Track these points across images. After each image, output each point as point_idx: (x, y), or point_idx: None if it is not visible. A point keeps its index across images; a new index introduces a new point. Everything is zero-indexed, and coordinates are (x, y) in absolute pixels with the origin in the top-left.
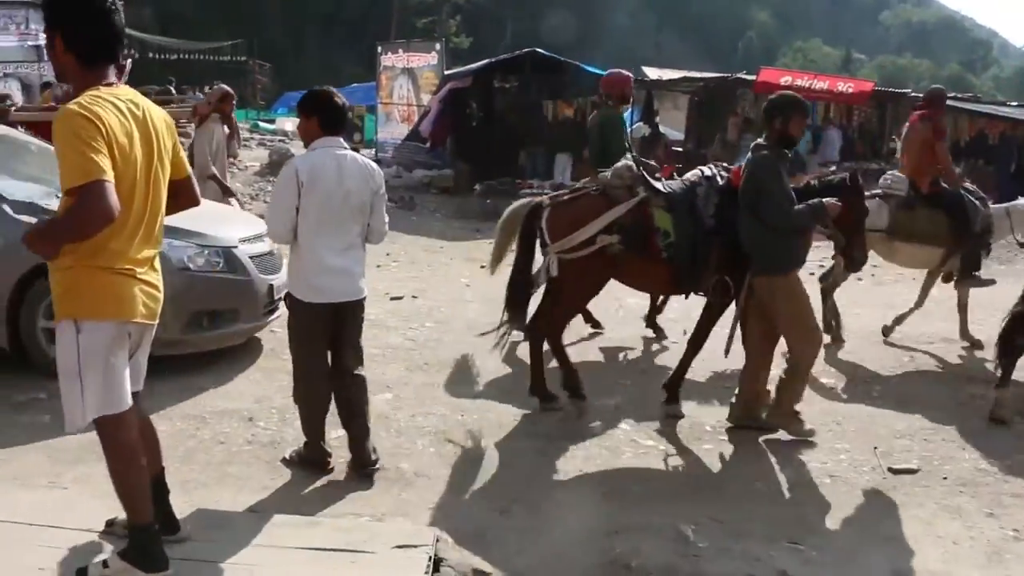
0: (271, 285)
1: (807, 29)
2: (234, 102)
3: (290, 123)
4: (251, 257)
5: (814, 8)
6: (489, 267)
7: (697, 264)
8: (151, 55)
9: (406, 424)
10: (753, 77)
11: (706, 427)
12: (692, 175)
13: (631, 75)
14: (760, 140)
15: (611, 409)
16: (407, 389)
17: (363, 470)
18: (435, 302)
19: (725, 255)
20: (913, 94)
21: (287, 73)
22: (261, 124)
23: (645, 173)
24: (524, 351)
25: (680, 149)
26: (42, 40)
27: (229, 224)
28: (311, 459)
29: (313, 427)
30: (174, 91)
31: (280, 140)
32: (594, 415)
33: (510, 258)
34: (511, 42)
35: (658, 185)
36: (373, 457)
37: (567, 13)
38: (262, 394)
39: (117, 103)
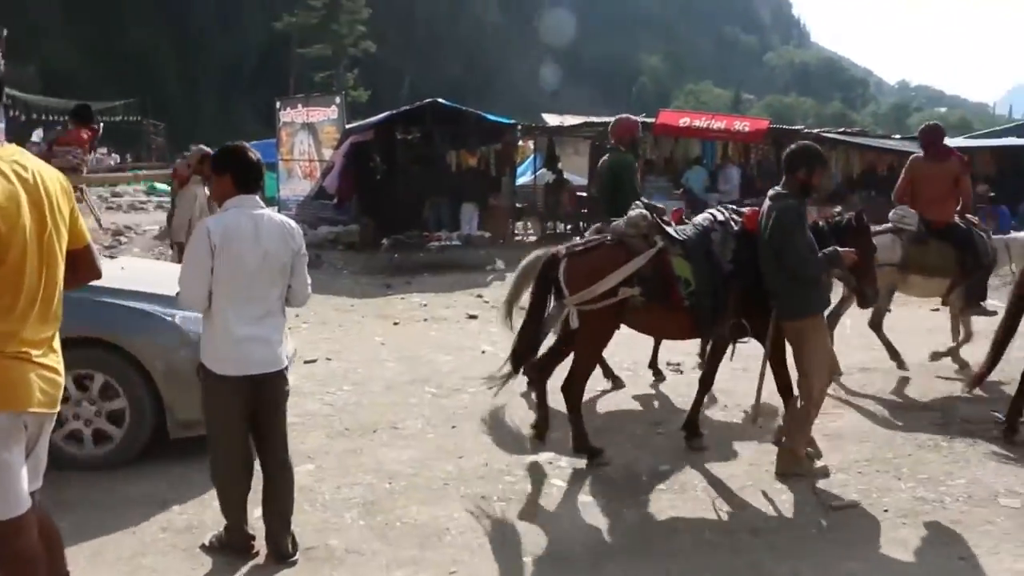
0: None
1: (697, 72)
2: None
3: None
4: None
5: (702, 52)
6: (501, 316)
7: (718, 309)
8: (35, 116)
9: (332, 497)
10: (652, 119)
11: (642, 477)
12: (703, 219)
13: (638, 120)
14: (779, 189)
15: (544, 464)
16: (329, 458)
17: (282, 562)
18: (350, 363)
19: (742, 298)
20: (805, 130)
21: (183, 131)
22: (157, 186)
23: (660, 220)
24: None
25: (584, 194)
26: None
27: None
28: (233, 544)
29: (233, 510)
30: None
31: (78, 198)
32: (527, 475)
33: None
34: (410, 94)
35: (674, 233)
36: (292, 548)
37: (464, 64)
38: (177, 473)
39: (0, 166)
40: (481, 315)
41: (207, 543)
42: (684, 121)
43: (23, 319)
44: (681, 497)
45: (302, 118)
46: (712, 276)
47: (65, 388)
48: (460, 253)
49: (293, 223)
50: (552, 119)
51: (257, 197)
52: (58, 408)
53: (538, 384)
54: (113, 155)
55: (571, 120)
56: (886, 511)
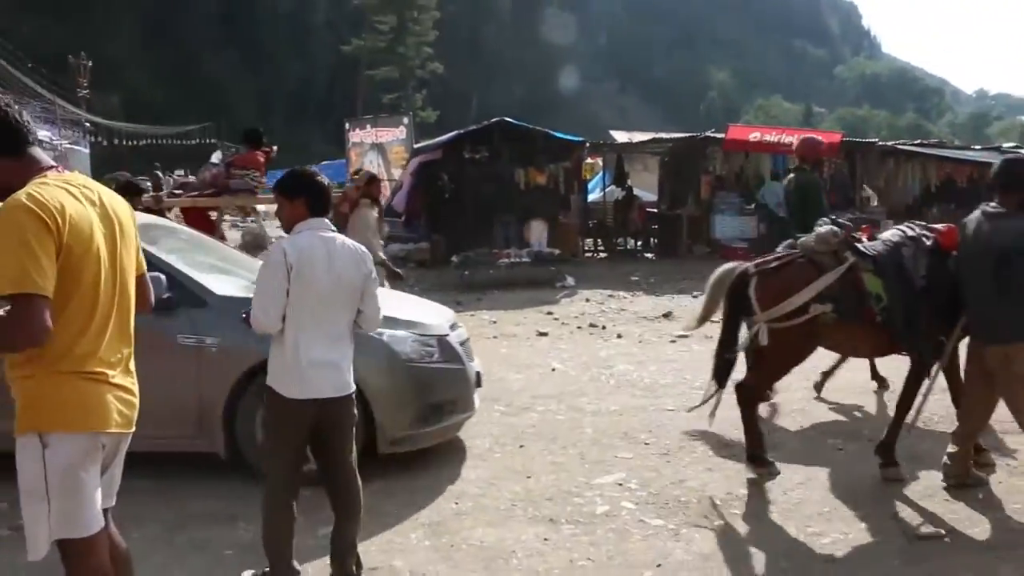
0: (478, 372)
1: (767, 87)
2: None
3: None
4: (460, 344)
5: (771, 66)
6: (692, 326)
7: (911, 325)
8: (118, 142)
9: (397, 516)
10: (722, 135)
11: (716, 500)
12: (892, 235)
13: (822, 139)
14: (995, 206)
15: (614, 486)
16: (396, 477)
17: None
18: None
19: (936, 317)
20: (879, 143)
21: None
22: None
23: (850, 236)
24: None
25: (655, 210)
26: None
27: (431, 310)
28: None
29: (277, 545)
30: (161, 176)
31: (251, 220)
32: (597, 496)
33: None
34: (477, 113)
35: (865, 248)
36: (356, 569)
37: (532, 83)
38: (244, 489)
39: (70, 189)
40: (551, 332)
41: None
42: (754, 136)
43: (98, 340)
44: (756, 522)
45: (371, 139)
46: (905, 291)
47: None
48: (530, 270)
49: (363, 248)
50: (620, 136)
51: (327, 220)
52: (133, 428)
53: (754, 408)
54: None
55: (639, 136)
56: (976, 543)
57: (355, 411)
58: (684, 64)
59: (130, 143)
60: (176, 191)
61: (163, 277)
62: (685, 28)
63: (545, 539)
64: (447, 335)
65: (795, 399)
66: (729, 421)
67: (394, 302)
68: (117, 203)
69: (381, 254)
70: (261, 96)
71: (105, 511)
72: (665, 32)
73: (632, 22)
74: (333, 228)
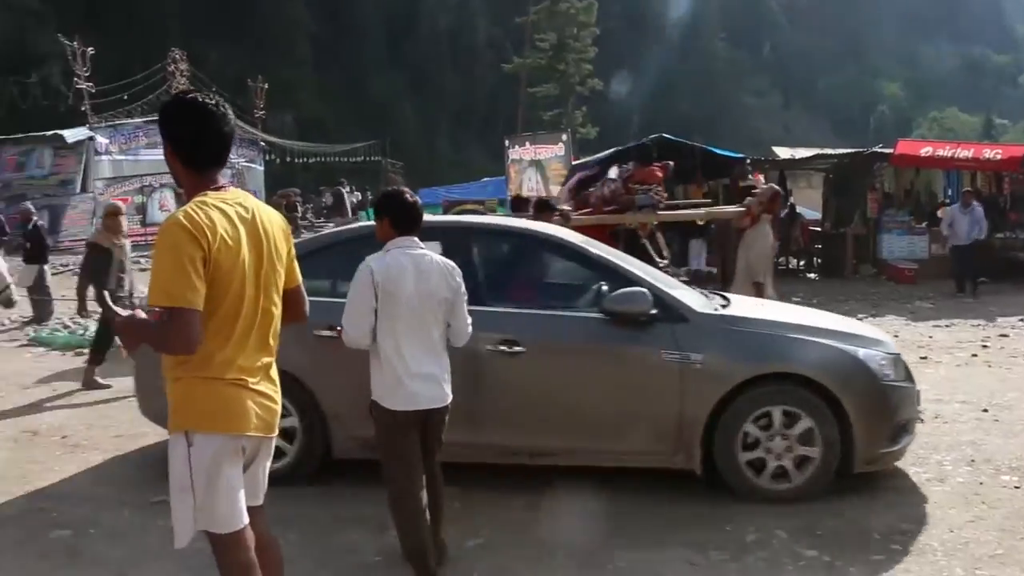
0: (918, 391)
1: (942, 98)
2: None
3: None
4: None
5: (947, 76)
6: None
7: None
8: (290, 159)
9: (544, 533)
10: (890, 150)
11: (874, 534)
12: None
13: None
14: None
15: (765, 513)
16: (547, 496)
17: (443, 555)
18: None
19: None
20: None
21: (419, 170)
22: None
23: None
24: None
25: (819, 229)
26: None
27: (872, 328)
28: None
29: (415, 537)
30: (345, 193)
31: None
32: (748, 523)
33: None
34: (638, 130)
35: None
36: (441, 556)
37: (693, 98)
38: None
39: (224, 207)
40: None
41: None
42: (926, 151)
43: (239, 348)
44: (918, 561)
45: (530, 155)
46: None
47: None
48: None
49: (452, 263)
50: (783, 152)
51: (416, 238)
52: (275, 432)
53: None
54: (355, 192)
55: (803, 152)
56: None
57: (447, 418)
58: (852, 76)
59: (301, 160)
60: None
61: (647, 292)
62: (853, 38)
63: (692, 564)
64: (899, 353)
65: (963, 428)
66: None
67: (839, 320)
68: (270, 219)
69: (760, 278)
70: (424, 114)
71: (252, 510)
72: (832, 43)
73: (797, 34)
74: (421, 245)
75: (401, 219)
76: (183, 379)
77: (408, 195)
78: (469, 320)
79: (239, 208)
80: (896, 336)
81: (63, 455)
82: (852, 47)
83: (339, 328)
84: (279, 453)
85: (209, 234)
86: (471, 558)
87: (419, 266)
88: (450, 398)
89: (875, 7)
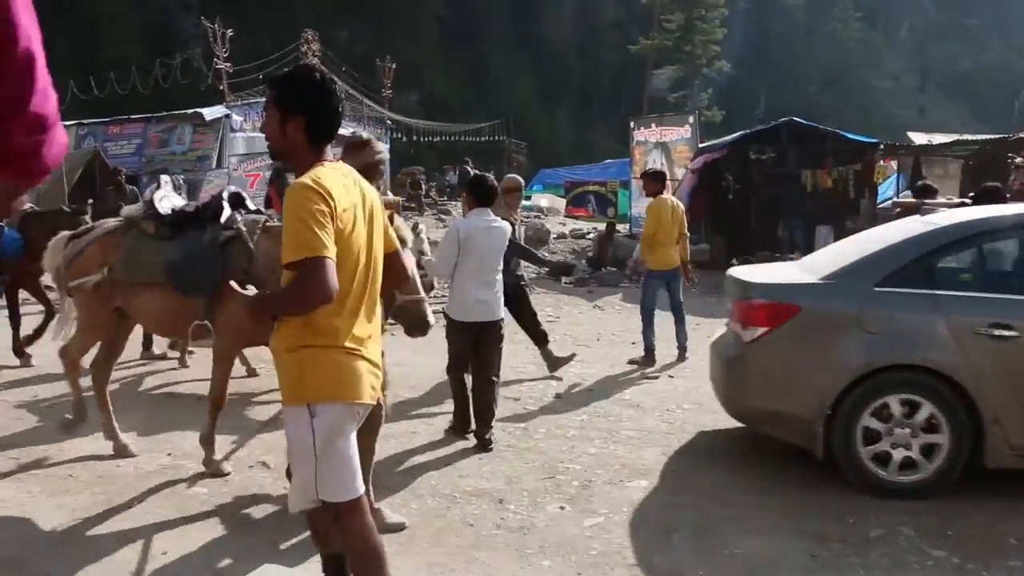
0: None
1: None
2: None
3: (545, 199)
4: None
5: None
6: None
7: None
8: (415, 138)
9: (660, 515)
10: None
11: (1009, 538)
12: None
13: None
14: None
15: (891, 509)
16: (663, 477)
17: (485, 449)
18: (693, 382)
19: None
20: None
21: (542, 151)
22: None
23: None
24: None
25: None
26: None
27: None
28: (456, 427)
29: (460, 402)
30: (471, 171)
31: (536, 216)
32: (871, 517)
33: None
34: (765, 113)
35: None
36: (490, 440)
37: (822, 80)
38: (513, 475)
39: (341, 176)
40: None
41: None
42: None
43: (353, 317)
44: None
45: (655, 137)
46: None
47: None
48: None
49: (508, 226)
50: (918, 137)
51: (489, 210)
52: (377, 400)
53: None
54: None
55: (940, 138)
56: None
57: (502, 331)
58: (996, 57)
59: (426, 139)
60: None
61: None
62: (999, 15)
63: (813, 555)
64: None
65: None
66: None
67: None
68: (370, 190)
69: None
70: (548, 94)
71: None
72: (975, 21)
73: (938, 11)
74: (491, 215)
75: (478, 196)
76: (299, 351)
77: (486, 179)
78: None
79: (351, 179)
80: None
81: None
82: (997, 25)
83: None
84: (910, 465)
85: (335, 196)
86: (586, 538)
87: (488, 228)
88: (498, 317)
89: None
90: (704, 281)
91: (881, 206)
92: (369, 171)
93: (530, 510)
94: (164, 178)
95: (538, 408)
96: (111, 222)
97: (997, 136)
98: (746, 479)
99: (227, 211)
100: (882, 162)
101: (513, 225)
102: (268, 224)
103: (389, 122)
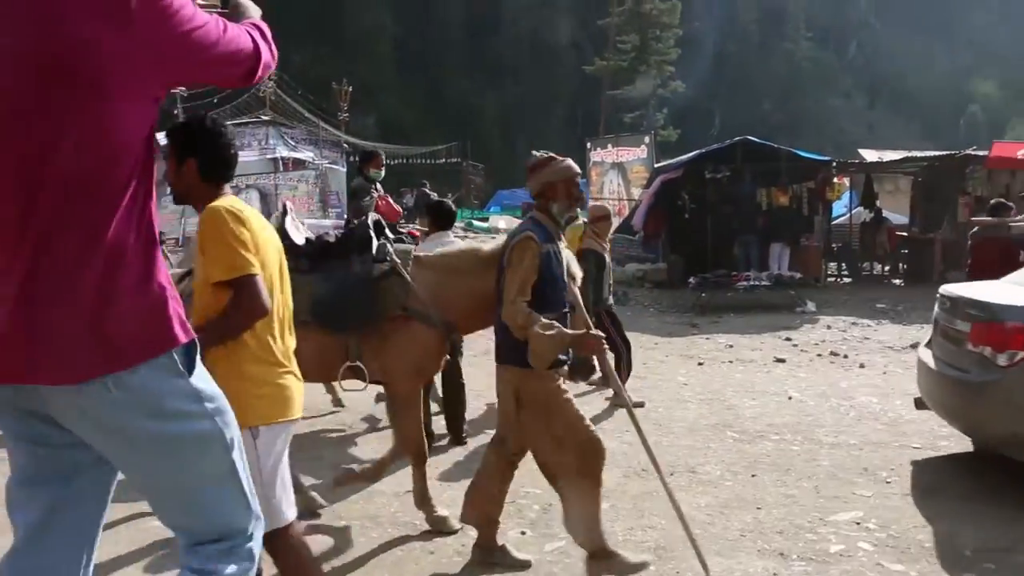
0: None
1: None
2: None
3: (503, 221)
4: None
5: None
6: None
7: None
8: None
9: (624, 538)
10: (983, 153)
11: (965, 551)
12: None
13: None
14: None
15: (851, 525)
16: (624, 499)
17: (460, 444)
18: (652, 403)
19: None
20: None
21: (499, 172)
22: (475, 223)
23: None
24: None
25: (905, 234)
26: (279, 154)
27: None
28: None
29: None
30: (429, 193)
31: (492, 237)
32: (831, 534)
33: None
34: (720, 132)
35: None
36: (464, 437)
37: (776, 99)
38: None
39: (242, 205)
40: (789, 359)
41: None
42: (1023, 152)
43: (282, 333)
44: None
45: (612, 158)
46: None
47: None
48: (768, 294)
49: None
50: (869, 154)
51: (449, 233)
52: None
53: None
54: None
55: (890, 155)
56: None
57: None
58: (942, 76)
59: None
60: None
61: None
62: (945, 36)
63: (774, 574)
64: None
65: None
66: (974, 466)
67: None
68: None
69: None
70: (505, 116)
71: None
72: (922, 41)
73: (885, 32)
74: (452, 238)
75: (439, 220)
76: (238, 375)
77: (447, 204)
78: None
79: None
80: None
81: None
82: (943, 45)
83: None
84: None
85: (249, 223)
86: (547, 562)
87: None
88: None
89: (968, 5)
90: (661, 300)
91: (836, 222)
92: (554, 190)
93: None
94: (289, 205)
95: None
96: None
97: (945, 152)
98: (707, 499)
99: (377, 241)
100: (836, 180)
101: (602, 254)
102: (419, 255)
103: (345, 145)
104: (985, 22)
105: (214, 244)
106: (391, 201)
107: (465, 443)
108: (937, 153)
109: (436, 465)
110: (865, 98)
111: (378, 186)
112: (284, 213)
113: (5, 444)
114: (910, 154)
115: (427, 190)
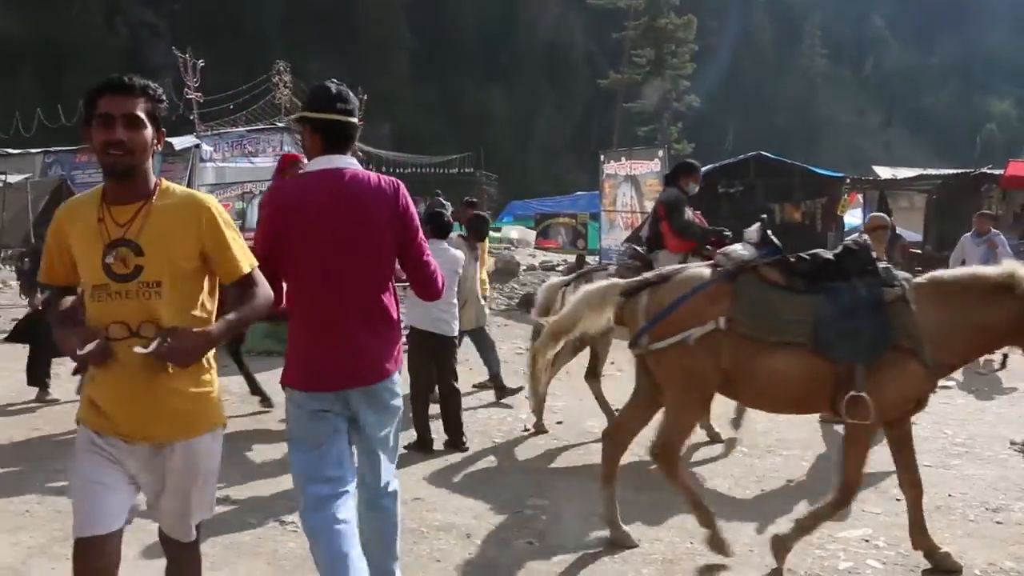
0: None
1: None
2: None
3: (516, 231)
4: None
5: None
6: None
7: None
8: (386, 169)
9: (632, 550)
10: (1000, 171)
11: (975, 571)
12: None
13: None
14: None
15: (860, 542)
16: (633, 510)
17: (457, 450)
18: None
19: None
20: None
21: (512, 183)
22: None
23: None
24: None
25: (919, 251)
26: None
27: None
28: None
29: (420, 417)
30: (443, 202)
31: (506, 248)
32: (840, 550)
33: None
34: (733, 146)
35: None
36: (463, 443)
37: (790, 115)
38: (481, 509)
39: None
40: None
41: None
42: None
43: None
44: None
45: (625, 171)
46: None
47: None
48: None
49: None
50: (884, 171)
51: (443, 242)
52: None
53: None
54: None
55: (904, 172)
56: None
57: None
58: (959, 94)
59: (397, 171)
60: None
61: None
62: (961, 55)
63: None
64: None
65: None
66: (985, 485)
67: None
68: None
69: None
70: (519, 127)
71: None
72: (938, 60)
73: (902, 50)
74: (445, 245)
75: (435, 230)
76: (206, 377)
77: (445, 216)
78: None
79: None
80: None
81: None
82: (959, 64)
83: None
84: None
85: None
86: (556, 574)
87: (442, 255)
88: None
89: (985, 23)
90: None
91: (850, 238)
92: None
93: (498, 545)
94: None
95: (505, 441)
96: (698, 268)
97: (959, 171)
98: (715, 513)
99: (882, 263)
100: (846, 196)
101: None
102: (918, 281)
103: (360, 154)
104: (1002, 41)
105: (231, 233)
106: None
107: (465, 449)
108: (953, 171)
109: (429, 468)
110: (881, 116)
111: None
112: (764, 226)
113: None
114: (924, 172)
115: (441, 199)
